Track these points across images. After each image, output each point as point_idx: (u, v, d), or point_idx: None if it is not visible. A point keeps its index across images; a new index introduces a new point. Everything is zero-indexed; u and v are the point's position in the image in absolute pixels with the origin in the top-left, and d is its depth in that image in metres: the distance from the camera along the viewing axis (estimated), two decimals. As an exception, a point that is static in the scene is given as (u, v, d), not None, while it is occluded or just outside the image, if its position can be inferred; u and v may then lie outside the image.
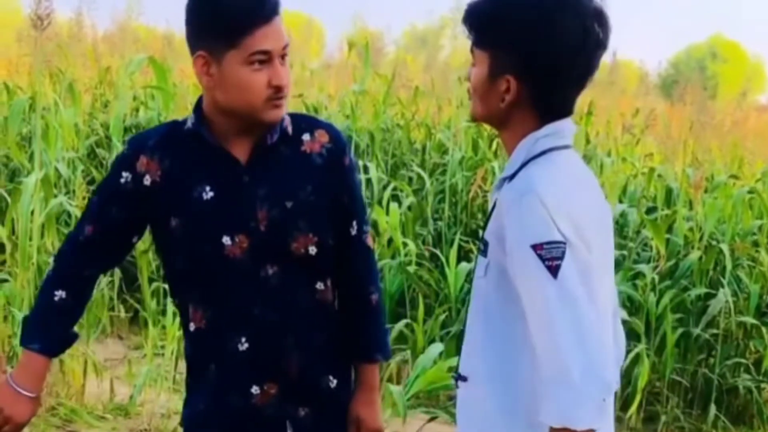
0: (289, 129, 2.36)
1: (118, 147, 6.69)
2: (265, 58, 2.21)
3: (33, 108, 6.25)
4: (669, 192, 7.46)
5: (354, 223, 2.45)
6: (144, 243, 6.55)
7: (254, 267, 2.32)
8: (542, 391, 1.90)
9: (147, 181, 2.34)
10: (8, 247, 5.54)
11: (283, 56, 2.25)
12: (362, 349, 2.52)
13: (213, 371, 2.40)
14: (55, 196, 5.67)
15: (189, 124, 2.36)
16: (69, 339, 2.50)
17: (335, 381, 2.45)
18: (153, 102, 8.18)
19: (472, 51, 2.07)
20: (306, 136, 2.38)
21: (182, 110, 7.06)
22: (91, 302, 5.96)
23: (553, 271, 1.86)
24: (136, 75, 7.86)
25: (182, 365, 5.54)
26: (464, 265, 6.44)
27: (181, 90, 8.15)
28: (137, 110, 8.36)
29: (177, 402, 5.09)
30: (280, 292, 2.34)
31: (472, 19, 2.04)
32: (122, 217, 2.39)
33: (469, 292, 6.31)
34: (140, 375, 5.15)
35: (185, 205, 2.32)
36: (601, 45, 2.01)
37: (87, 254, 2.44)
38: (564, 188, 1.96)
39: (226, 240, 2.30)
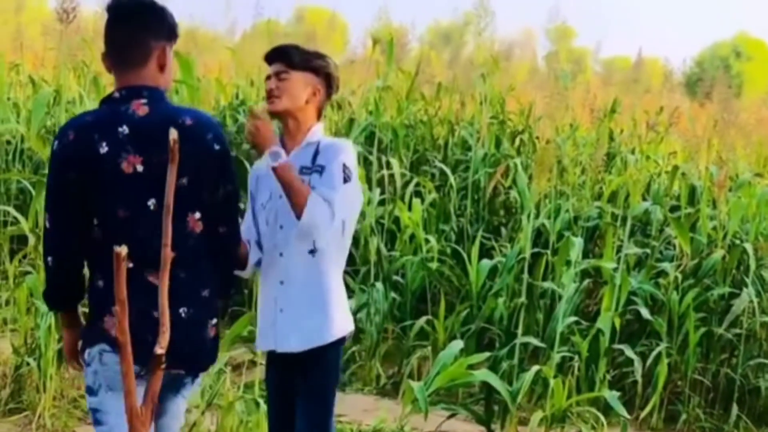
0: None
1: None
2: None
3: (58, 101, 6.27)
4: (692, 190, 7.42)
5: None
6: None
7: None
8: None
9: None
10: (32, 240, 5.56)
11: None
12: None
13: None
14: (79, 189, 5.66)
15: None
16: None
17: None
18: (177, 96, 8.20)
19: None
20: None
21: (206, 105, 7.07)
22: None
23: None
24: (160, 69, 7.88)
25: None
26: (486, 261, 6.42)
27: (204, 84, 8.17)
28: (161, 104, 8.37)
29: (195, 396, 5.09)
30: None
31: None
32: None
33: (490, 289, 6.32)
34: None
35: None
36: None
37: None
38: None
39: None
